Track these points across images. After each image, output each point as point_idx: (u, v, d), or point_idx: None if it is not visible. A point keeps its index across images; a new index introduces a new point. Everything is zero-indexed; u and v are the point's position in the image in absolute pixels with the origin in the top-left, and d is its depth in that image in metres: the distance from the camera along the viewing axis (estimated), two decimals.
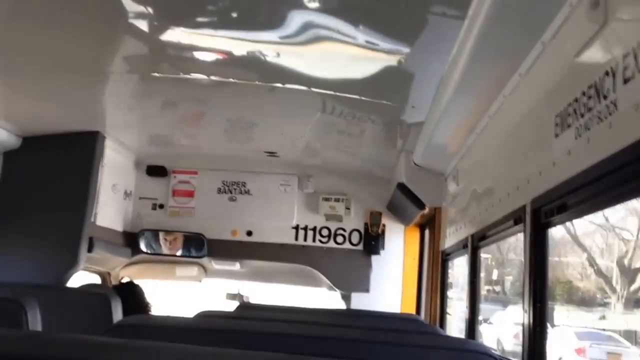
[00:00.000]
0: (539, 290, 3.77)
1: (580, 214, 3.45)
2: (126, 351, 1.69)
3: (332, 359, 1.72)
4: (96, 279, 9.06)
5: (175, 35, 4.81)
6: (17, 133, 7.47)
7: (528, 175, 3.89)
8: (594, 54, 3.01)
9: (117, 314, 5.45)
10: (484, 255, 5.99)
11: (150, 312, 6.94)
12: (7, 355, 1.61)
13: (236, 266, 9.63)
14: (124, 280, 7.89)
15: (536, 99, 3.87)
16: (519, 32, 3.80)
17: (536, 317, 3.74)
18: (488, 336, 18.47)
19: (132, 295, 6.91)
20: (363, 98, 5.75)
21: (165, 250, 9.28)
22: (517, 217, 4.14)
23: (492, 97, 4.70)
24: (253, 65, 5.25)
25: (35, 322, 4.05)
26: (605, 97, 2.79)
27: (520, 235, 4.05)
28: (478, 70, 4.29)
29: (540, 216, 3.73)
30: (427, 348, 3.06)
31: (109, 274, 9.12)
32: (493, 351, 3.12)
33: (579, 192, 3.14)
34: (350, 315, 6.21)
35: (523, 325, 3.86)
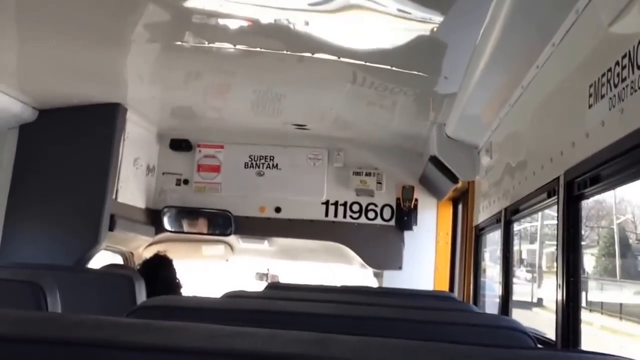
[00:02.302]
0: (572, 264, 3.85)
1: (613, 186, 3.52)
2: (150, 332, 1.73)
3: (364, 338, 1.76)
4: (118, 260, 9.11)
5: (199, 1, 4.89)
6: (33, 105, 7.57)
7: (561, 147, 3.96)
8: (628, 23, 3.09)
9: (141, 296, 5.44)
10: None
11: (180, 290, 6.94)
12: (25, 337, 1.68)
13: (264, 244, 9.72)
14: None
15: (570, 70, 3.95)
16: (553, 0, 3.87)
17: (569, 292, 3.82)
18: None
19: (163, 270, 6.90)
20: (394, 69, 5.81)
21: (190, 228, 9.37)
22: (550, 190, 4.22)
23: (525, 67, 4.76)
24: (281, 33, 5.32)
25: (54, 304, 4.05)
26: (639, 67, 2.87)
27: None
28: (511, 40, 4.36)
29: (573, 188, 3.81)
30: (460, 325, 3.10)
31: (131, 254, 9.19)
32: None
33: (613, 164, 3.22)
34: (383, 294, 6.22)
35: (556, 301, 3.92)
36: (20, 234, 7.45)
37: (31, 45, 5.95)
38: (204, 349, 1.66)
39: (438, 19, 4.65)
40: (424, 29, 4.88)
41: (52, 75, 6.82)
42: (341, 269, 10.78)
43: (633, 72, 2.92)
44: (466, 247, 7.94)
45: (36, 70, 6.63)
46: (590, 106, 3.46)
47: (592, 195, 3.81)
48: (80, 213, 7.47)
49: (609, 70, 3.20)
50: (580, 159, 3.61)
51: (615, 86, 3.11)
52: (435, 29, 4.79)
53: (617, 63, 3.10)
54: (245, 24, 5.24)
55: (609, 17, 3.21)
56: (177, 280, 6.97)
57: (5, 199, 7.55)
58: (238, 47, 5.63)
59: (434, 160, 7.59)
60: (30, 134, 7.66)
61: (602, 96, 3.28)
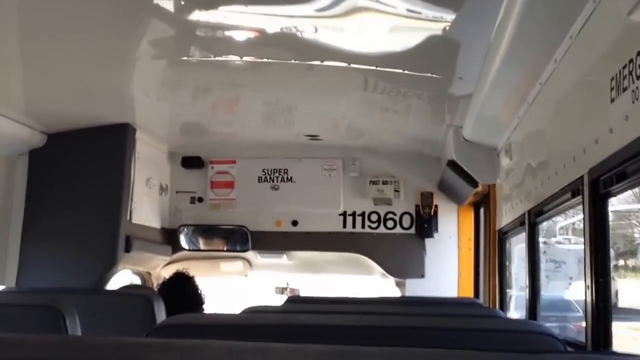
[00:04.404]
0: (600, 265, 3.77)
1: None
2: (170, 351, 1.71)
3: (388, 349, 1.72)
4: (136, 280, 9.09)
5: (203, 14, 4.83)
6: (42, 130, 7.56)
7: (584, 145, 3.87)
8: None
9: (160, 315, 5.43)
10: None
11: (203, 307, 6.91)
12: None
13: (283, 258, 9.69)
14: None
15: (589, 63, 3.86)
16: None
17: (599, 293, 3.74)
18: None
19: (187, 287, 6.88)
20: (407, 72, 5.73)
21: (207, 245, 9.39)
22: (574, 189, 4.13)
23: (542, 62, 4.67)
24: (288, 42, 5.26)
25: (74, 328, 4.08)
26: None
27: None
28: (527, 34, 4.27)
29: (598, 186, 3.72)
30: (488, 331, 3.06)
31: (149, 273, 9.16)
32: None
33: (639, 159, 3.13)
34: (406, 303, 6.20)
35: (585, 302, 3.85)
36: (37, 259, 7.46)
37: (36, 69, 5.94)
38: None
39: (450, 16, 4.56)
40: (436, 29, 4.80)
41: (59, 99, 6.82)
42: (362, 280, 10.73)
43: None
44: (490, 251, 7.87)
45: (42, 94, 6.63)
46: (612, 100, 3.37)
47: (619, 193, 3.74)
48: (96, 235, 7.47)
49: (631, 61, 3.11)
50: (604, 156, 3.52)
51: (638, 78, 3.02)
52: (447, 28, 4.70)
53: (639, 53, 3.01)
54: (251, 34, 5.19)
55: (629, 5, 3.11)
56: (201, 297, 6.95)
57: (20, 224, 7.57)
58: (245, 58, 5.58)
59: (452, 164, 7.51)
60: (41, 159, 7.66)
61: (625, 89, 3.19)
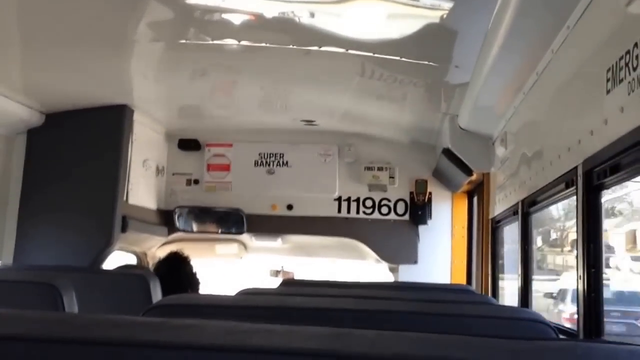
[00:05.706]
0: (593, 255, 3.76)
1: (635, 175, 3.41)
2: (166, 330, 1.73)
3: (382, 332, 1.73)
4: (132, 260, 9.10)
5: None
6: (40, 110, 7.54)
7: (579, 135, 3.85)
8: None
9: (156, 295, 5.45)
10: None
11: (199, 287, 6.91)
12: (43, 337, 1.67)
13: (277, 242, 9.69)
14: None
15: (586, 53, 3.83)
16: None
17: (590, 283, 3.74)
18: None
19: (184, 267, 6.88)
20: (404, 59, 5.71)
21: (202, 227, 9.38)
22: (568, 180, 4.12)
23: (539, 52, 4.64)
24: (286, 27, 5.22)
25: (71, 305, 4.09)
26: None
27: None
28: (524, 24, 4.24)
29: (592, 178, 3.71)
30: (480, 318, 3.07)
31: (145, 254, 9.17)
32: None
33: (634, 151, 3.11)
34: (399, 288, 6.20)
35: (577, 292, 3.85)
36: (34, 237, 7.46)
37: (35, 49, 5.89)
38: (220, 346, 1.64)
39: (447, 4, 4.53)
40: (433, 16, 4.77)
41: (57, 79, 6.79)
42: (356, 265, 10.76)
43: None
44: (483, 239, 7.86)
45: (41, 74, 6.59)
46: (608, 91, 3.34)
47: (612, 185, 3.72)
48: (92, 215, 7.48)
49: (627, 52, 3.07)
50: (598, 148, 3.50)
51: (634, 69, 2.99)
52: (444, 16, 4.67)
53: (636, 44, 2.98)
54: (249, 18, 5.16)
55: None
56: (197, 278, 6.96)
57: (17, 203, 7.57)
58: (242, 42, 5.55)
59: (447, 152, 7.49)
60: (39, 138, 7.66)
61: (621, 80, 3.16)
